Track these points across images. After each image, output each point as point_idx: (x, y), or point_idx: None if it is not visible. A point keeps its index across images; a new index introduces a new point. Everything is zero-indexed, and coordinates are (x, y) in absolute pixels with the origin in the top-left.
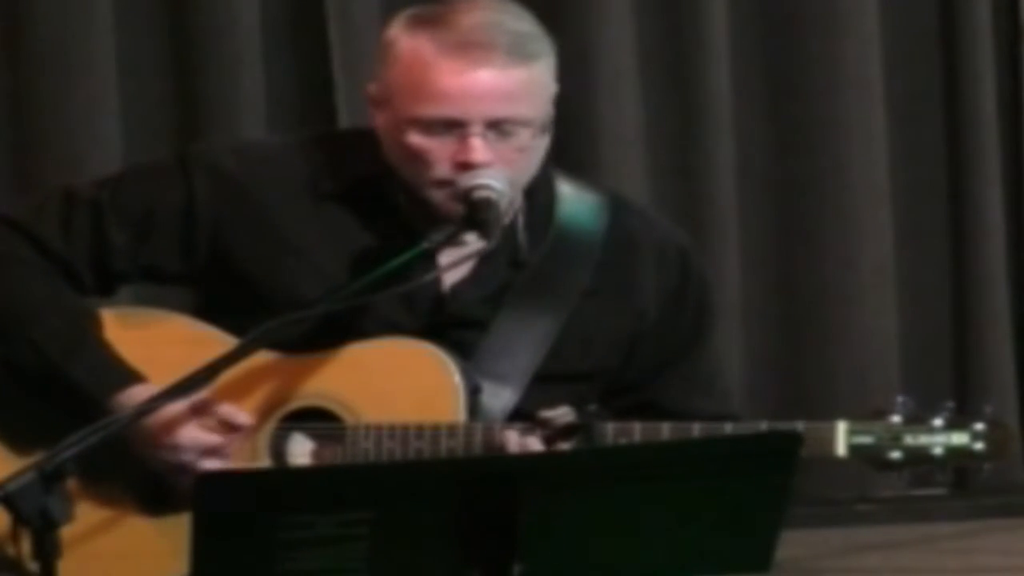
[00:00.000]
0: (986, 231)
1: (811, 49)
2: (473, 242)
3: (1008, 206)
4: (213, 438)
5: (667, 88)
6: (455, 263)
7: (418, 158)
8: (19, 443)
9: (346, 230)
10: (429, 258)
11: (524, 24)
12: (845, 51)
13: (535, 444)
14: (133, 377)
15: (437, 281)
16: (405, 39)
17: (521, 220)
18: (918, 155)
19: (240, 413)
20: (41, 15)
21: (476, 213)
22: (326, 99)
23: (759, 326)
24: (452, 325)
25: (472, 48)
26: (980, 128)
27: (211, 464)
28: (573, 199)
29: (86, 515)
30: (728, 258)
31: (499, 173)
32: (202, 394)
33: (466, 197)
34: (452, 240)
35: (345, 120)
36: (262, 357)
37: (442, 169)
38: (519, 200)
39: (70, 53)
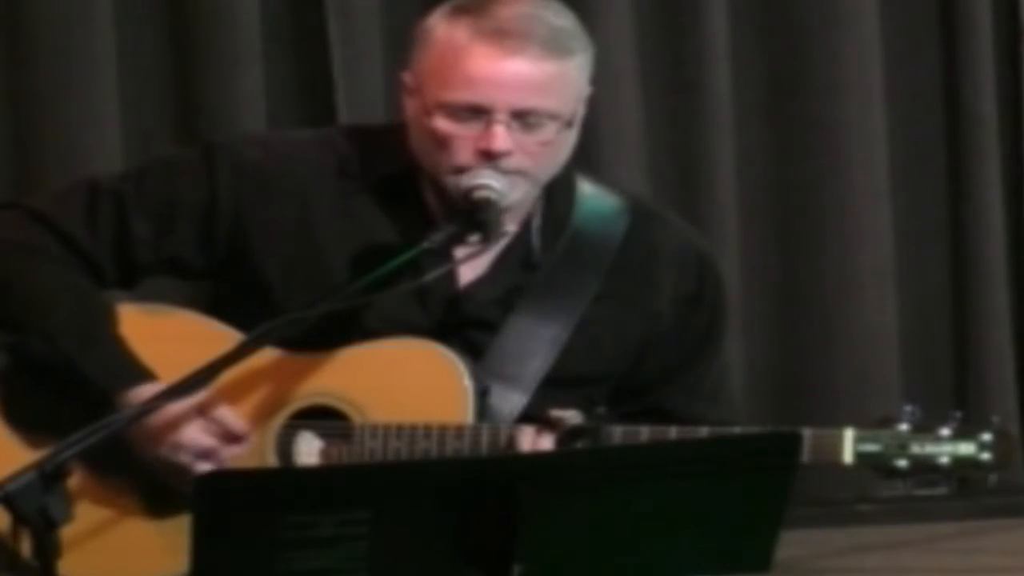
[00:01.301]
0: (986, 231)
1: (811, 49)
2: (474, 243)
3: (1008, 206)
4: (211, 441)
5: (667, 88)
6: (469, 257)
7: (442, 144)
8: (31, 433)
9: (370, 226)
10: (445, 257)
11: (564, 20)
12: (845, 51)
13: (547, 444)
14: (144, 375)
15: (453, 280)
16: (443, 26)
17: (537, 221)
18: (918, 155)
19: (238, 422)
20: (41, 15)
21: (476, 213)
22: (326, 99)
23: (759, 326)
24: (464, 325)
25: (508, 37)
26: (980, 128)
27: (206, 467)
28: (593, 202)
29: (88, 512)
30: (728, 258)
31: (499, 173)
32: (203, 395)
33: (466, 197)
34: (454, 241)
35: (345, 120)
36: (271, 355)
37: (463, 156)
38: (538, 201)
39: (70, 53)
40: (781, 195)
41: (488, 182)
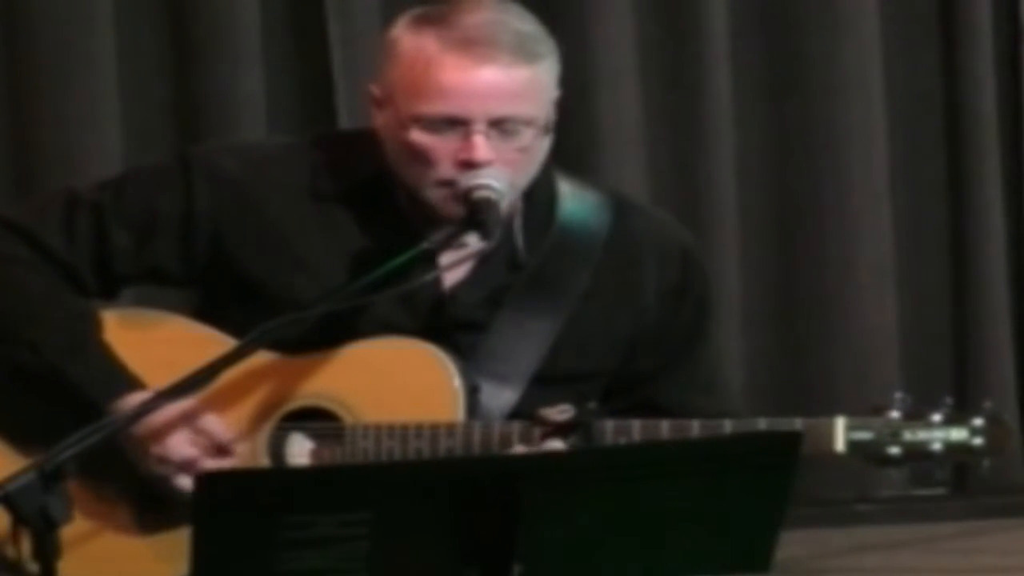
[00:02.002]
0: (986, 231)
1: (811, 49)
2: (473, 243)
3: (1008, 206)
4: (193, 452)
5: (667, 87)
6: (455, 263)
7: (420, 157)
8: (20, 441)
9: (347, 232)
10: (429, 259)
11: (528, 24)
12: (845, 51)
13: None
14: (132, 383)
15: (437, 283)
16: (409, 37)
17: (519, 222)
18: (918, 155)
19: (224, 432)
20: (41, 15)
21: (476, 213)
22: (326, 99)
23: (759, 326)
24: (452, 327)
25: (476, 45)
26: (980, 128)
27: (185, 481)
28: (574, 199)
29: (83, 519)
30: (728, 258)
31: (499, 173)
32: (190, 403)
33: (466, 197)
34: (453, 241)
35: (345, 120)
36: (261, 358)
37: (444, 168)
38: (518, 202)
39: (70, 53)
40: (781, 195)
41: (488, 182)
